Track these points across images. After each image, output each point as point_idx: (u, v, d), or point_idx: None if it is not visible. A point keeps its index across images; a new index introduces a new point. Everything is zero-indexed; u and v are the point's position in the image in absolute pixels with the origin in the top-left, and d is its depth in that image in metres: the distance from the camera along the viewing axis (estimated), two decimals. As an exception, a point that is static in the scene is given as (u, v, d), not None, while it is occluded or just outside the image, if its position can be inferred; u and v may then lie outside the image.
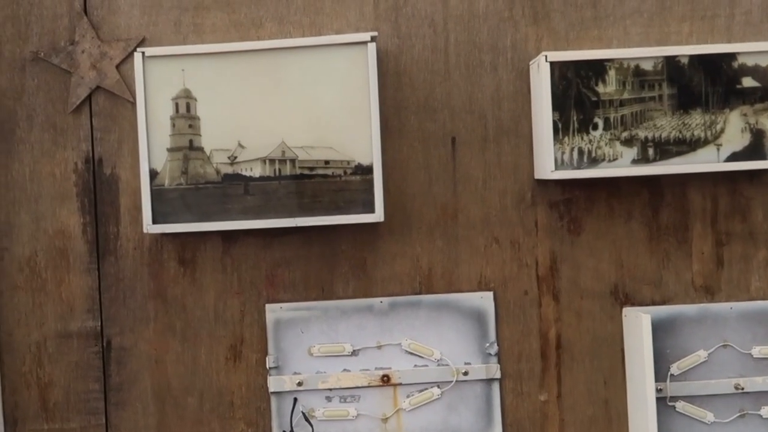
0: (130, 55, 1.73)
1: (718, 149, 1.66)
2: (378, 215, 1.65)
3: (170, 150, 1.69)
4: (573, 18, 1.81)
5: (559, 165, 1.67)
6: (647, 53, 1.65)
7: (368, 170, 1.68)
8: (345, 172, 1.69)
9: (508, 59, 1.82)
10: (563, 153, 1.67)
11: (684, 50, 1.66)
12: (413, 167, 1.81)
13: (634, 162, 1.68)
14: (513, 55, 1.82)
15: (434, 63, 1.82)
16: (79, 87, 1.78)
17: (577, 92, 1.66)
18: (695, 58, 1.65)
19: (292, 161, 1.69)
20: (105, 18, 1.81)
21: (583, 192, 1.81)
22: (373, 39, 1.65)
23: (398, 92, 1.80)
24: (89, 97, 1.81)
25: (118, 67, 1.80)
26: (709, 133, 1.63)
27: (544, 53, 1.65)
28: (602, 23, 1.81)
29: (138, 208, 1.72)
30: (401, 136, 1.81)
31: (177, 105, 1.69)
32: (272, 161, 1.69)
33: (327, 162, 1.70)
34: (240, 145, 1.70)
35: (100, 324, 1.80)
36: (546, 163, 1.66)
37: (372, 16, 1.81)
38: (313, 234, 1.79)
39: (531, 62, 1.77)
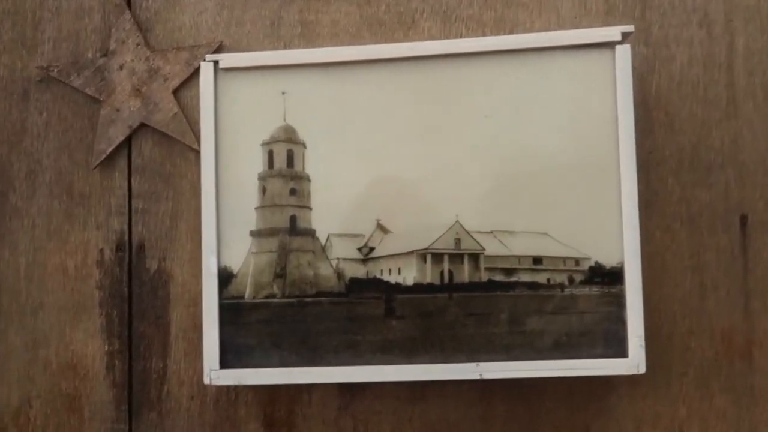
0: (198, 71, 1.11)
1: None
2: (634, 361, 1.01)
3: (257, 234, 1.06)
4: None
5: None
6: None
7: (615, 276, 1.02)
8: (571, 280, 1.02)
9: None
10: None
11: None
12: (672, 267, 1.14)
13: None
14: None
15: (710, 87, 1.16)
16: (113, 125, 1.19)
17: None
18: None
19: (474, 258, 1.03)
20: (159, 13, 1.22)
21: None
22: (625, 37, 1.04)
23: (645, 137, 1.14)
24: (128, 141, 1.20)
25: (176, 92, 1.18)
26: None
27: None
28: None
29: (199, 333, 1.08)
30: (651, 213, 1.14)
31: (271, 154, 1.06)
32: (438, 257, 1.03)
33: (537, 260, 1.03)
34: (380, 228, 1.04)
35: None
36: None
37: (601, 8, 1.17)
38: (497, 381, 1.08)
39: None
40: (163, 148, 1.18)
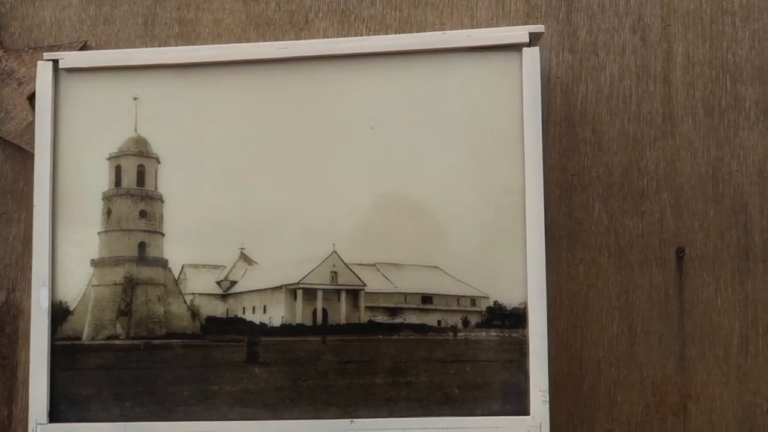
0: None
1: None
2: (537, 420, 0.90)
3: (99, 264, 0.95)
4: None
5: None
6: None
7: (517, 319, 0.91)
8: (465, 323, 0.91)
9: None
10: None
11: None
12: (598, 307, 1.03)
13: None
14: None
15: (644, 101, 1.06)
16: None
17: None
18: None
19: (353, 294, 0.92)
20: (15, 8, 1.11)
21: None
22: (534, 40, 0.95)
23: (568, 156, 1.05)
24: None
25: (32, 99, 1.05)
26: None
27: None
28: None
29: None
30: (574, 245, 1.04)
31: (119, 170, 0.96)
32: (310, 294, 0.92)
33: (427, 298, 0.91)
34: (244, 258, 0.93)
35: None
36: None
37: (521, 9, 1.07)
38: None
39: None
40: (16, 163, 1.06)
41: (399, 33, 1.06)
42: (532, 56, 0.90)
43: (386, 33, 1.07)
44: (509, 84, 0.90)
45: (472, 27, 1.06)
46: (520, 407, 0.87)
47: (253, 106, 0.92)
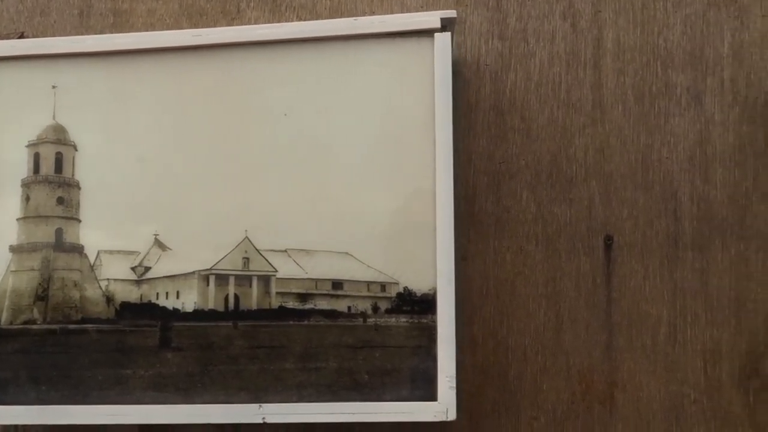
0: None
1: None
2: (444, 406, 0.88)
3: (17, 250, 0.96)
4: None
5: None
6: None
7: (426, 305, 0.90)
8: (375, 309, 0.91)
9: (725, 80, 1.03)
10: None
11: None
12: (525, 295, 1.03)
13: None
14: (737, 71, 1.03)
15: (573, 89, 1.05)
16: None
17: None
18: None
19: (265, 280, 0.93)
20: None
21: None
22: (446, 25, 0.94)
23: (496, 144, 1.04)
24: None
25: None
26: None
27: None
28: None
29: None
30: (502, 232, 1.03)
31: (37, 157, 0.97)
32: (223, 280, 0.93)
33: (337, 284, 0.92)
34: (158, 244, 0.94)
35: None
36: None
37: None
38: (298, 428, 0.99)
39: None
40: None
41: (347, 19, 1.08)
42: (443, 41, 0.91)
43: (333, 19, 1.09)
44: (421, 70, 0.91)
45: (402, 14, 1.06)
46: (429, 393, 0.88)
47: (168, 94, 0.94)
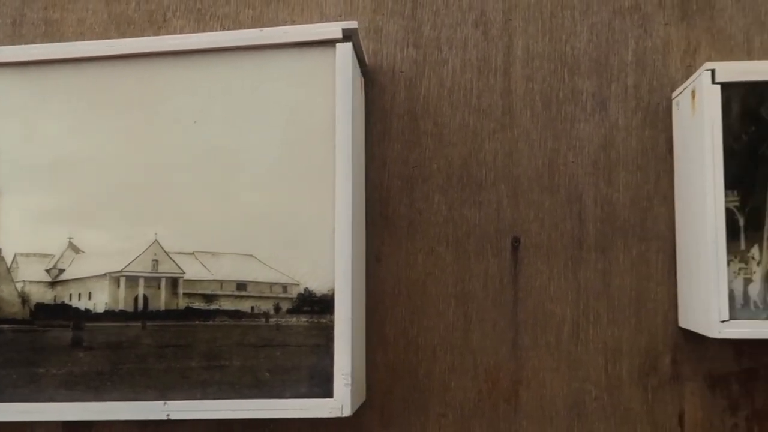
0: None
1: None
2: (339, 403, 0.91)
3: None
4: (762, 9, 1.05)
5: (740, 309, 0.90)
6: None
7: (325, 305, 0.93)
8: (277, 309, 0.94)
9: (628, 87, 1.07)
10: (749, 281, 0.91)
11: None
12: (435, 295, 1.06)
13: None
14: (640, 78, 1.07)
15: (484, 95, 1.09)
16: None
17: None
18: None
19: (173, 282, 0.96)
20: None
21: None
22: (348, 36, 0.97)
23: (410, 148, 1.08)
24: None
25: None
26: None
27: (708, 66, 0.93)
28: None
29: None
30: (414, 235, 1.07)
31: None
32: (133, 281, 0.96)
33: (242, 285, 0.95)
34: (72, 247, 0.97)
35: None
36: (710, 304, 0.90)
37: (368, 5, 1.11)
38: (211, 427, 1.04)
39: (675, 94, 1.05)
40: None
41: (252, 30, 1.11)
42: (344, 51, 0.93)
43: (240, 30, 1.12)
44: (325, 78, 0.94)
45: (322, 23, 1.09)
46: (326, 390, 0.91)
47: (83, 102, 0.97)
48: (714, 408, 1.01)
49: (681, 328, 1.00)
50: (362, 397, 1.02)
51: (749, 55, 1.04)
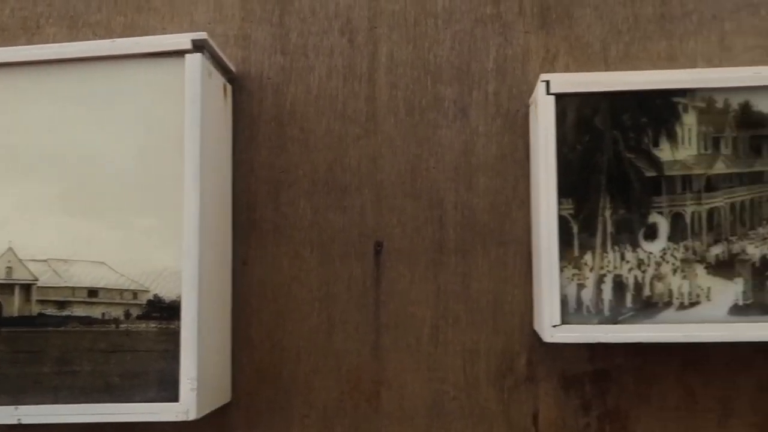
0: None
1: None
2: (185, 407, 0.93)
3: None
4: (618, 18, 1.08)
5: (572, 313, 0.94)
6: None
7: (173, 311, 0.95)
8: (127, 315, 0.96)
9: (489, 94, 1.09)
10: (582, 287, 0.94)
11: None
12: (300, 298, 1.08)
13: (737, 310, 0.93)
14: (500, 85, 1.09)
15: (349, 101, 1.10)
16: None
17: (615, 158, 0.94)
18: None
19: (26, 289, 0.97)
20: None
21: (632, 360, 1.05)
22: (198, 46, 0.99)
23: (277, 154, 1.10)
24: None
25: None
26: None
27: (543, 78, 0.96)
28: (675, 28, 1.07)
29: None
30: (280, 239, 1.09)
31: None
32: None
33: (93, 292, 0.96)
34: None
35: None
36: (544, 309, 0.94)
37: (237, 13, 1.12)
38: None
39: (531, 101, 1.08)
40: None
41: (123, 37, 1.11)
42: (194, 62, 0.95)
43: (112, 37, 1.13)
44: (176, 88, 0.95)
45: (192, 30, 1.10)
46: (173, 394, 0.93)
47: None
48: (567, 408, 1.04)
49: (536, 330, 1.03)
50: (226, 398, 1.04)
51: (606, 63, 1.06)
